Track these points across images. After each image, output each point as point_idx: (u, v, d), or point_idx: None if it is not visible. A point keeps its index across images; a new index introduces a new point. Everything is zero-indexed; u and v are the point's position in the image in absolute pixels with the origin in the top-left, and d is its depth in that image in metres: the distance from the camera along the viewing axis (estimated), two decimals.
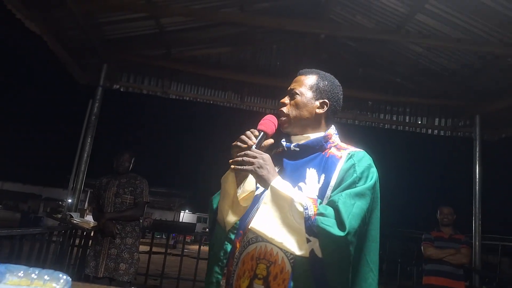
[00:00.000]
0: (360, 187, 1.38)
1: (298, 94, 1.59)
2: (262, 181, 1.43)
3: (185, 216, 37.08)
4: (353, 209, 1.32)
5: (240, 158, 1.43)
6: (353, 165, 1.43)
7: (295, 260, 1.36)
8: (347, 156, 1.47)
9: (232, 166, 1.44)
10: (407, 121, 5.96)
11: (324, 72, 1.67)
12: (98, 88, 5.27)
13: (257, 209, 1.46)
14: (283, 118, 1.59)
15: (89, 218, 4.40)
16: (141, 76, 5.85)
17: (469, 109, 5.55)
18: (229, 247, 1.56)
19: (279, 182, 1.41)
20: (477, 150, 5.43)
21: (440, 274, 4.60)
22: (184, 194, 27.36)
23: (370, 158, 1.50)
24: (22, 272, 0.83)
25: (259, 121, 1.59)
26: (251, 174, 1.45)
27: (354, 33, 4.76)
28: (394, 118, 5.94)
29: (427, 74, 5.42)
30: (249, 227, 1.41)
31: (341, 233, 1.28)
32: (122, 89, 5.83)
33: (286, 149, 1.61)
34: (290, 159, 1.59)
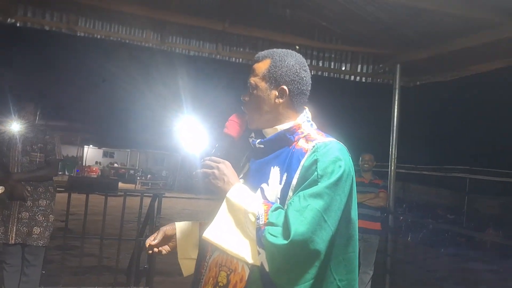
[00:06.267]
0: (317, 187, 1.25)
1: (253, 87, 1.42)
2: (219, 192, 1.35)
3: (90, 151, 35.37)
4: (304, 212, 1.20)
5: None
6: (316, 161, 1.29)
7: (251, 269, 1.29)
8: (312, 150, 1.32)
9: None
10: (332, 67, 5.94)
11: (281, 51, 1.45)
12: None
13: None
14: (246, 117, 1.48)
15: None
16: (42, 10, 5.00)
17: (391, 57, 5.67)
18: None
19: (234, 192, 1.32)
20: (396, 97, 5.65)
21: (360, 217, 4.89)
22: (88, 128, 25.97)
23: (341, 148, 1.35)
24: None
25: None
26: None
27: None
28: (320, 64, 5.89)
29: (354, 20, 5.35)
30: (202, 236, 1.33)
31: (284, 241, 1.18)
32: (18, 24, 4.97)
33: (252, 146, 1.48)
34: (256, 157, 1.46)
